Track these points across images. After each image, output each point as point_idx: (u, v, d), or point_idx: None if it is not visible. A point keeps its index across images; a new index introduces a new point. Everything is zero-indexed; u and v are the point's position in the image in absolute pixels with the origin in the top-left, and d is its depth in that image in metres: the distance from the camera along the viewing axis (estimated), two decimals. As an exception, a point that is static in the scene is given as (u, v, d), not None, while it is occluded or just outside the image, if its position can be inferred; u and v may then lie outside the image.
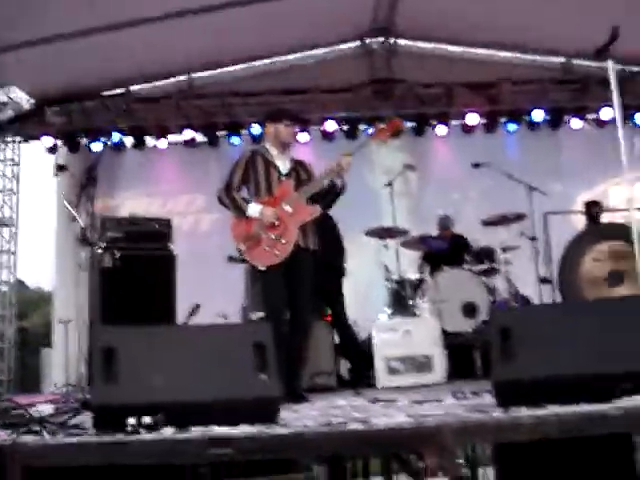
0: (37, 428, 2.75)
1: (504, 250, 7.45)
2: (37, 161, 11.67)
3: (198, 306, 7.58)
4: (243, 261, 6.58)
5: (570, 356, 2.85)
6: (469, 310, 7.14)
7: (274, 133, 5.14)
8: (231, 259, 6.98)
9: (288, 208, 4.88)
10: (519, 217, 7.53)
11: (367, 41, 11.10)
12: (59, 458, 2.44)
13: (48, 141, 10.66)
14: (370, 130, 10.20)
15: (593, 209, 8.04)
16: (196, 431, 2.56)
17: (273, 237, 4.82)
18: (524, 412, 2.67)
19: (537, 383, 2.85)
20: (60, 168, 4.62)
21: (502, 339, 2.99)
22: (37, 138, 10.84)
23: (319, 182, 5.02)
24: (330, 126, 10.78)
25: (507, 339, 2.98)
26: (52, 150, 10.75)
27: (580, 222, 8.59)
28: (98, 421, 2.72)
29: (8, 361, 10.60)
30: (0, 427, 2.96)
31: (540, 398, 2.77)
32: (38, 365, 11.80)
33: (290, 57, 11.03)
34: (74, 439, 2.53)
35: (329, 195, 5.07)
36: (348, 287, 7.40)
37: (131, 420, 2.60)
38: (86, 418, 3.02)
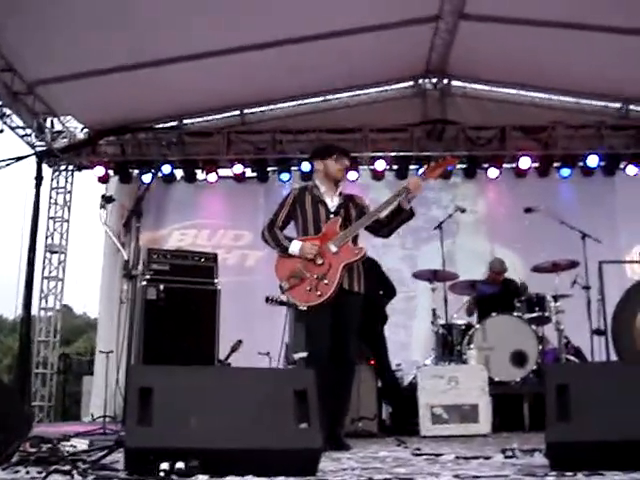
0: (68, 468, 2.66)
1: (555, 298, 7.22)
2: (89, 190, 11.82)
3: (240, 342, 7.48)
4: (281, 303, 6.49)
5: (632, 420, 2.66)
6: (518, 359, 6.92)
7: (324, 170, 5.01)
8: (268, 300, 6.89)
9: (333, 247, 4.73)
10: (572, 265, 7.30)
11: (420, 82, 11.07)
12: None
13: (100, 171, 10.79)
14: (420, 170, 10.09)
15: (650, 259, 7.78)
16: (231, 481, 2.45)
17: (315, 277, 4.68)
18: (580, 478, 2.48)
19: (595, 447, 2.66)
20: (106, 199, 4.59)
21: (558, 396, 2.82)
22: (90, 167, 11.00)
23: (380, 209, 4.85)
24: (380, 165, 10.71)
25: (563, 397, 2.80)
26: (104, 180, 10.88)
27: (636, 272, 8.33)
28: (130, 463, 2.62)
29: (50, 387, 10.63)
30: (31, 463, 2.88)
31: (598, 463, 2.59)
32: (79, 392, 11.83)
33: (342, 95, 11.06)
34: (104, 482, 2.43)
35: (395, 220, 4.88)
36: (394, 330, 7.23)
37: (164, 465, 2.49)
38: (119, 456, 2.93)
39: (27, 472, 2.69)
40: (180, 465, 2.52)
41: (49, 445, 3.34)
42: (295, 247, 4.77)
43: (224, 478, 2.50)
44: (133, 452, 2.62)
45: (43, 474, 2.49)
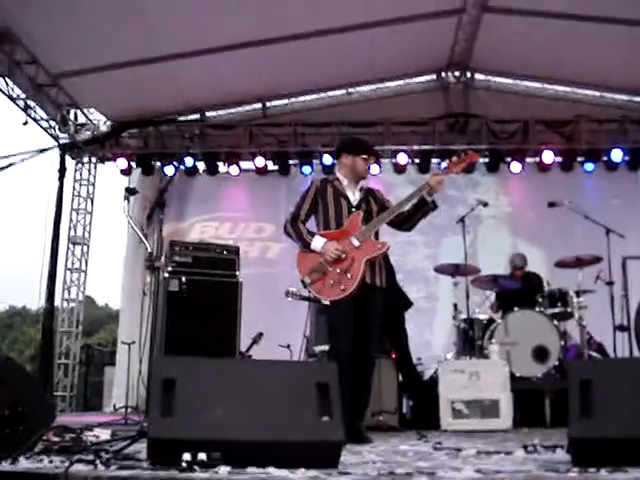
0: (91, 457, 2.68)
1: (578, 294, 7.17)
2: (111, 182, 11.91)
3: (261, 334, 7.48)
4: (301, 297, 6.45)
5: (657, 417, 2.64)
6: (539, 354, 6.87)
7: (351, 165, 4.98)
8: (288, 294, 6.85)
9: (355, 242, 4.71)
10: (595, 260, 7.24)
11: (443, 75, 11.02)
12: (110, 492, 2.37)
13: (123, 163, 10.87)
14: (443, 164, 10.05)
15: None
16: (252, 472, 2.45)
17: (338, 271, 4.67)
18: (603, 474, 2.46)
19: (619, 443, 2.64)
20: (130, 191, 4.61)
21: (581, 392, 2.79)
22: (112, 160, 11.07)
23: (402, 204, 4.84)
24: (402, 159, 10.68)
25: (587, 393, 2.78)
26: (126, 172, 10.95)
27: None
28: (153, 454, 2.63)
29: (72, 378, 10.73)
30: (54, 452, 2.91)
31: (621, 460, 2.57)
32: (101, 383, 11.94)
33: (365, 88, 11.03)
34: (127, 472, 2.44)
35: (419, 213, 4.87)
36: (415, 324, 7.20)
37: (186, 456, 2.51)
38: (142, 446, 2.95)
39: (50, 461, 2.71)
40: (202, 456, 2.53)
41: (72, 435, 3.37)
42: (318, 244, 4.74)
43: (246, 469, 2.50)
44: (156, 442, 2.64)
45: (66, 463, 2.51)
